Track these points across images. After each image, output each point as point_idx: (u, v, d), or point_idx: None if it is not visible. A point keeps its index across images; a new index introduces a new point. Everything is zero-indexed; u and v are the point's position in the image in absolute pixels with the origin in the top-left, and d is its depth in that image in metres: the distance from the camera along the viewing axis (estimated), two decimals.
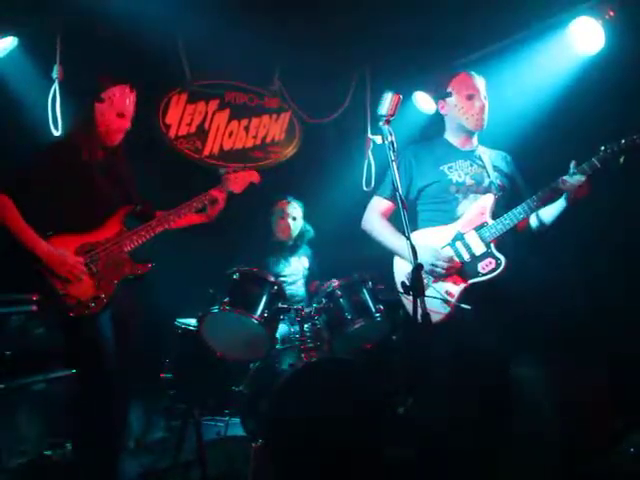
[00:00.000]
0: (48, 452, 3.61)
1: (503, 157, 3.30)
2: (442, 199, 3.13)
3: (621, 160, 2.79)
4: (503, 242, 3.00)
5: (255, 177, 3.53)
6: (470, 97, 3.15)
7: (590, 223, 3.70)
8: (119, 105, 3.08)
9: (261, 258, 4.47)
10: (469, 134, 3.23)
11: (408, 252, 2.43)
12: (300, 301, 4.45)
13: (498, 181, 3.14)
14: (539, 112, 4.07)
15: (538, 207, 2.97)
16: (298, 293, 4.56)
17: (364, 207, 3.44)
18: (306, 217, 4.77)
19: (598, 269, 3.90)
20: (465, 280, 2.98)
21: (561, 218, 3.02)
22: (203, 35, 4.35)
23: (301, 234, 4.71)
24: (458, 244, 3.04)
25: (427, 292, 2.83)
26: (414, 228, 3.16)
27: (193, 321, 3.99)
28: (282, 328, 4.02)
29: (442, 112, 3.28)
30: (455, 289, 2.99)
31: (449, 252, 3.03)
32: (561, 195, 2.95)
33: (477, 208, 3.06)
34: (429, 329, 2.29)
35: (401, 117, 2.70)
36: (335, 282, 3.85)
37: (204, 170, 5.08)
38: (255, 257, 4.40)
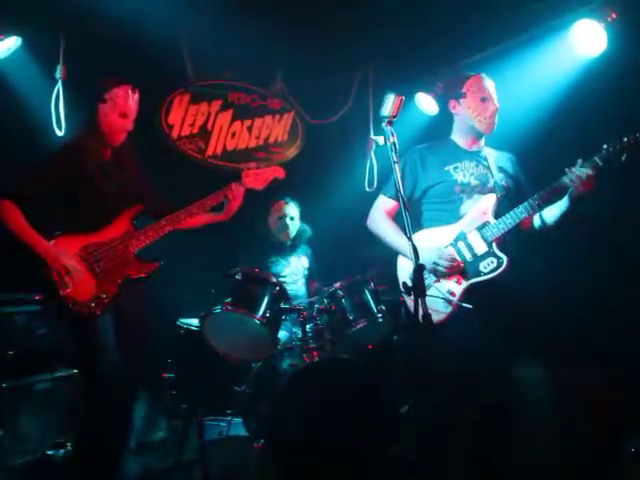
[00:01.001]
0: (50, 452, 3.62)
1: (508, 158, 3.31)
2: (446, 199, 3.15)
3: (623, 158, 2.80)
4: (505, 242, 3.01)
5: (280, 172, 3.51)
6: (484, 100, 3.16)
7: (593, 223, 3.70)
8: (122, 105, 3.10)
9: (261, 258, 4.48)
10: (477, 136, 3.24)
11: (410, 252, 2.44)
12: (301, 301, 4.45)
13: (502, 182, 3.14)
14: (541, 114, 4.07)
15: (540, 206, 2.98)
16: (299, 293, 4.57)
17: (367, 208, 3.45)
18: (305, 217, 4.77)
19: (600, 269, 3.90)
20: (467, 279, 3.00)
21: (564, 218, 3.02)
22: (206, 35, 4.36)
23: (299, 234, 4.73)
24: (460, 244, 3.06)
25: (429, 292, 2.83)
26: (418, 227, 3.19)
27: (195, 321, 4.00)
28: (283, 327, 4.03)
29: (453, 111, 3.28)
30: (457, 288, 3.00)
31: (451, 251, 3.04)
32: (564, 194, 2.95)
33: (479, 208, 3.07)
34: (430, 330, 2.30)
35: (403, 118, 2.71)
36: (337, 283, 3.86)
37: (207, 170, 5.10)
38: (256, 257, 4.41)
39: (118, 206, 3.12)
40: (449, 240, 3.08)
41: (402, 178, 3.16)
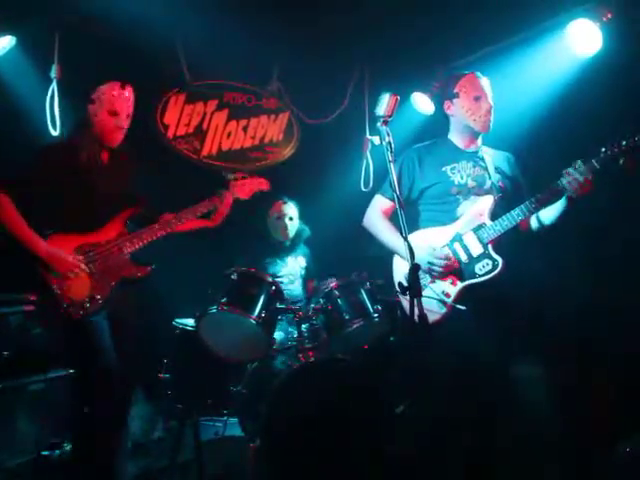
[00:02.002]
0: (46, 452, 3.61)
1: (506, 158, 3.31)
2: (443, 200, 3.15)
3: (621, 162, 2.79)
4: (501, 243, 3.01)
5: (264, 185, 3.54)
6: (477, 99, 3.15)
7: (590, 225, 3.71)
8: (108, 103, 3.03)
9: (258, 259, 4.48)
10: (474, 135, 3.24)
11: (406, 253, 2.44)
12: (298, 301, 4.45)
13: (499, 183, 3.14)
14: (536, 114, 4.08)
15: (537, 208, 2.97)
16: (295, 293, 4.56)
17: (362, 207, 3.45)
18: (303, 217, 4.77)
19: (598, 270, 3.90)
20: (462, 281, 3.00)
21: (561, 219, 3.02)
22: (201, 35, 4.35)
23: (298, 234, 4.72)
24: (456, 245, 3.06)
25: (424, 292, 2.83)
26: (415, 228, 3.19)
27: (191, 321, 3.99)
28: (279, 327, 4.03)
29: (448, 112, 3.27)
30: (452, 290, 3.00)
31: (446, 251, 3.05)
32: (561, 196, 2.95)
33: (476, 209, 3.07)
34: (426, 330, 2.30)
35: (399, 118, 2.71)
36: (333, 282, 3.85)
37: (202, 170, 5.09)
38: (253, 258, 4.41)
39: (113, 208, 3.11)
40: (445, 241, 3.08)
41: (399, 178, 3.18)
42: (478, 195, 3.10)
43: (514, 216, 2.97)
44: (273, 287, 3.75)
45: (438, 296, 2.98)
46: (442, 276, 3.01)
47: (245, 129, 5.27)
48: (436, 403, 2.90)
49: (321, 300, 3.84)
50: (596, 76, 3.83)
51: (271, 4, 4.17)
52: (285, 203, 4.68)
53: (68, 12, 4.03)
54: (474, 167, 3.18)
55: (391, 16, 4.23)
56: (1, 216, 2.86)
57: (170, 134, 5.00)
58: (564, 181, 2.86)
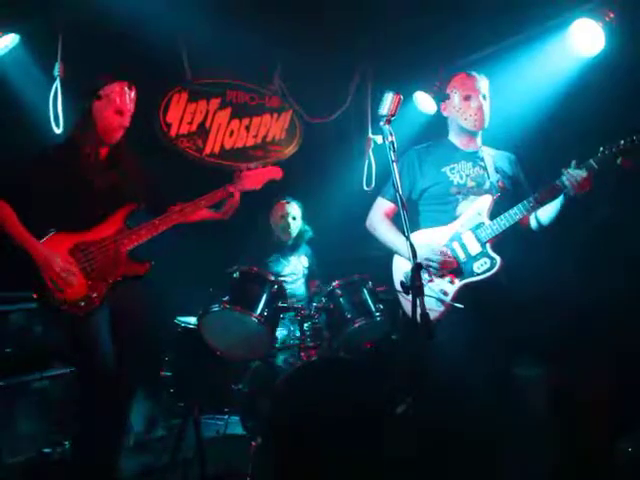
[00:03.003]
0: (47, 450, 3.61)
1: (507, 158, 3.31)
2: (443, 200, 3.16)
3: (618, 161, 2.79)
4: (500, 242, 3.02)
5: (277, 173, 3.50)
6: (467, 98, 3.16)
7: (589, 222, 3.70)
8: (117, 102, 3.06)
9: (261, 258, 4.48)
10: (471, 134, 3.24)
11: (407, 252, 2.44)
12: (300, 300, 4.45)
13: (499, 182, 3.14)
14: (539, 113, 4.07)
15: (535, 207, 2.98)
16: (298, 292, 4.57)
17: (364, 206, 3.46)
18: (306, 217, 4.78)
19: (598, 268, 3.90)
20: (460, 279, 3.01)
21: (559, 219, 3.02)
22: (204, 34, 4.35)
23: (300, 234, 4.73)
24: (455, 244, 3.07)
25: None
26: (416, 228, 3.20)
27: (193, 319, 4.00)
28: (281, 326, 4.03)
29: (444, 114, 3.30)
30: (450, 288, 3.02)
31: (443, 248, 3.06)
32: (558, 195, 2.94)
33: (474, 209, 3.08)
34: (428, 329, 2.30)
35: (402, 117, 2.71)
36: (335, 281, 3.86)
37: (205, 169, 5.10)
38: (255, 256, 4.41)
39: (111, 205, 3.09)
40: (444, 241, 3.09)
41: (400, 179, 3.17)
42: (477, 195, 3.11)
43: (512, 215, 2.98)
44: (275, 286, 3.76)
45: (436, 294, 2.99)
46: (440, 274, 3.03)
47: (248, 128, 5.28)
48: (436, 402, 2.90)
49: (323, 299, 3.84)
50: (598, 76, 3.83)
51: (274, 3, 4.17)
52: (288, 203, 4.69)
53: (71, 10, 4.03)
54: (473, 167, 3.18)
55: (394, 16, 4.23)
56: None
57: (173, 132, 5.01)
58: (563, 180, 2.88)
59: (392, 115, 2.61)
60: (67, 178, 2.98)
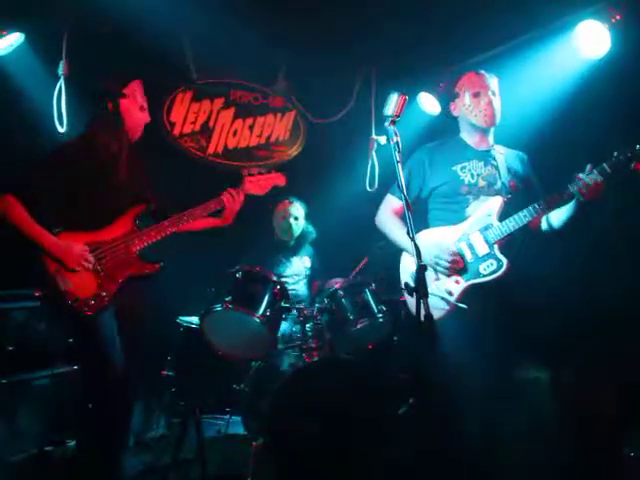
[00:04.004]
0: (49, 448, 3.62)
1: (519, 157, 3.28)
2: (453, 199, 3.14)
3: (632, 166, 2.75)
4: (508, 244, 3.00)
5: (281, 180, 3.48)
6: (476, 95, 3.15)
7: (598, 228, 3.69)
8: (139, 99, 3.15)
9: (263, 258, 4.47)
10: (483, 132, 3.22)
11: (412, 253, 2.43)
12: (302, 301, 4.45)
13: (510, 182, 3.12)
14: (545, 115, 4.06)
15: (544, 210, 2.95)
16: (300, 293, 4.56)
17: (367, 207, 3.46)
18: (309, 217, 4.77)
19: (603, 271, 3.89)
20: (466, 280, 3.00)
21: (571, 223, 2.99)
22: (209, 33, 4.36)
23: (303, 234, 4.72)
24: (462, 244, 3.06)
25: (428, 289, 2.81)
26: (424, 226, 3.19)
27: (195, 319, 4.00)
28: (284, 326, 4.03)
29: (454, 114, 3.29)
30: (456, 288, 3.00)
31: (453, 249, 3.04)
32: (570, 199, 2.91)
33: (484, 209, 3.06)
34: (432, 330, 2.29)
35: (405, 118, 2.69)
36: (337, 282, 3.85)
37: (208, 168, 5.10)
38: (259, 257, 4.41)
39: (123, 204, 3.09)
40: (452, 240, 3.08)
41: (410, 177, 3.20)
42: (488, 195, 3.09)
43: (521, 217, 2.96)
44: (278, 286, 3.75)
45: (441, 294, 2.98)
46: (447, 274, 3.01)
47: (251, 128, 5.28)
48: (439, 404, 2.89)
49: (326, 300, 3.84)
50: (605, 78, 3.82)
51: (278, 3, 4.17)
52: (291, 203, 4.67)
53: (76, 9, 4.04)
54: (485, 166, 3.16)
55: (398, 16, 4.22)
56: (10, 217, 2.86)
57: (176, 132, 5.01)
58: (575, 186, 2.84)
59: (397, 116, 2.59)
60: (84, 179, 2.98)
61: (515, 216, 2.97)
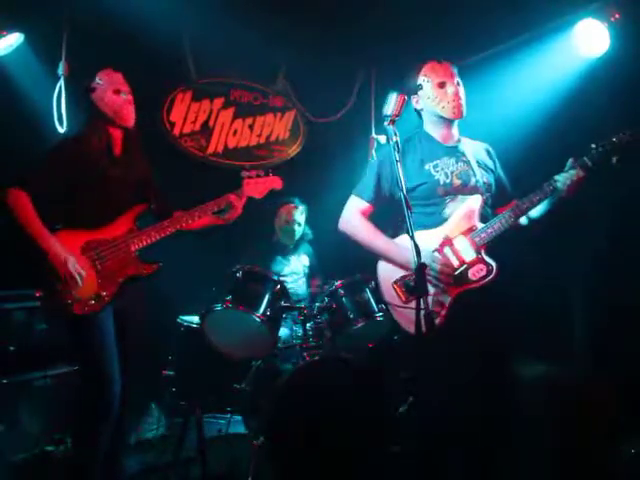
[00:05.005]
0: (50, 448, 3.62)
1: (484, 149, 3.13)
2: (428, 202, 2.92)
3: (614, 160, 2.70)
4: (494, 246, 2.85)
5: (277, 184, 3.44)
6: (442, 84, 2.96)
7: (589, 224, 3.70)
8: (110, 83, 3.05)
9: (262, 257, 4.48)
10: (449, 124, 3.02)
11: (411, 252, 2.38)
12: (302, 299, 4.45)
13: (484, 179, 2.97)
14: (543, 113, 4.07)
15: (529, 209, 2.84)
16: (300, 291, 4.57)
17: None
18: (308, 218, 4.77)
19: (595, 267, 3.90)
20: (456, 288, 2.80)
21: (550, 213, 2.89)
22: (208, 33, 4.37)
23: (301, 236, 4.73)
24: (447, 250, 2.85)
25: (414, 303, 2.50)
26: (400, 231, 2.94)
27: (196, 318, 4.00)
28: (284, 331, 4.04)
29: (417, 107, 3.09)
30: (446, 298, 2.80)
31: (442, 256, 2.84)
32: (552, 194, 2.81)
33: (464, 211, 2.88)
34: (432, 329, 2.28)
35: (403, 117, 2.67)
36: (337, 281, 3.86)
37: (208, 168, 5.10)
38: (256, 256, 4.41)
39: (125, 202, 3.08)
40: (433, 246, 2.84)
41: (378, 180, 2.99)
42: (465, 194, 2.91)
43: (507, 218, 2.81)
44: (278, 285, 3.76)
45: (431, 305, 2.78)
46: (439, 284, 2.79)
47: (251, 127, 5.28)
48: (439, 403, 2.88)
49: (326, 299, 3.84)
50: (603, 76, 3.82)
51: (278, 3, 4.17)
52: (296, 208, 4.64)
53: (76, 10, 4.04)
54: (457, 163, 2.97)
55: (398, 16, 4.23)
56: (16, 213, 2.85)
57: (176, 131, 5.02)
58: (557, 183, 2.77)
59: (396, 115, 2.56)
60: (83, 175, 2.97)
61: (500, 217, 2.83)
